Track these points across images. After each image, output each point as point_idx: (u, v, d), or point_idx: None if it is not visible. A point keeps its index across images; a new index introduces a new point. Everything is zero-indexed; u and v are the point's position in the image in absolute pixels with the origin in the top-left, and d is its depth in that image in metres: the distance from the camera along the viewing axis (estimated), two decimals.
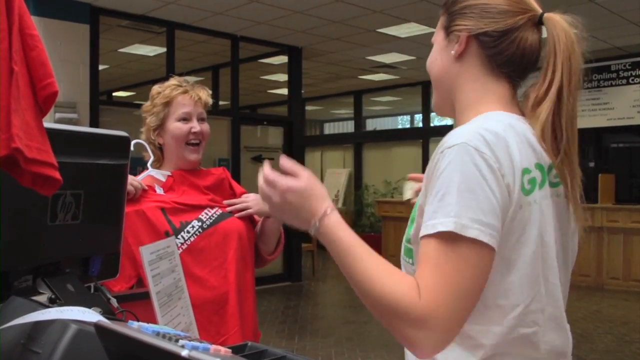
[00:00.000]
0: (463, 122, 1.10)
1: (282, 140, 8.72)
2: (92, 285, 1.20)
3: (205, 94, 1.95)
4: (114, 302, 1.18)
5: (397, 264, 1.19)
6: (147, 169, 1.91)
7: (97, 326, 0.80)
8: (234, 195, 1.97)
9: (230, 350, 0.77)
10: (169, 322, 1.26)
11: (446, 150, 1.00)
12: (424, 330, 0.92)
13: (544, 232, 1.05)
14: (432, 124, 11.49)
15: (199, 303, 1.64)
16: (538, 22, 1.12)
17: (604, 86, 8.69)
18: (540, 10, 1.12)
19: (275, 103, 12.51)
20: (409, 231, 1.11)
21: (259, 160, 8.39)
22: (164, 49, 7.42)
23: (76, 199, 1.11)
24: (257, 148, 8.42)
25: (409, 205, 1.60)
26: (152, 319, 1.19)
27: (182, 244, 1.76)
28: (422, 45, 7.89)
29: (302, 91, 9.20)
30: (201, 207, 1.87)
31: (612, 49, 8.18)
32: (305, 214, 1.03)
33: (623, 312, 6.76)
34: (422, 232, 0.98)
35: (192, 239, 1.79)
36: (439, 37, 1.19)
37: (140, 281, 1.68)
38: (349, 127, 14.85)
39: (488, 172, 0.97)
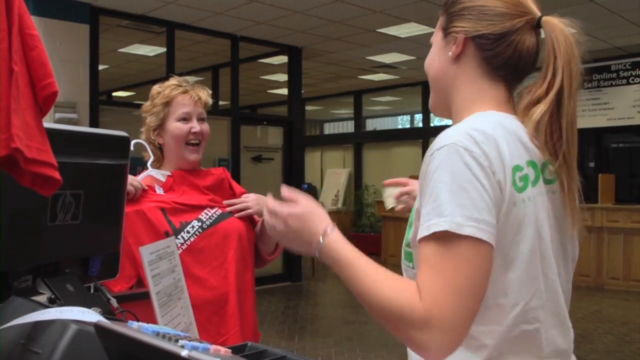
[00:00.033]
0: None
1: (282, 140, 8.72)
2: (92, 285, 1.20)
3: (205, 94, 1.95)
4: (113, 302, 1.18)
5: (398, 264, 1.19)
6: (147, 169, 1.91)
7: (97, 326, 0.80)
8: (234, 195, 1.97)
9: (230, 351, 0.77)
10: (169, 322, 1.26)
11: (435, 152, 1.01)
12: (430, 332, 0.92)
13: (541, 228, 1.05)
14: (432, 124, 11.50)
15: (199, 303, 1.64)
16: (536, 25, 1.12)
17: (604, 86, 8.69)
18: (538, 14, 1.12)
19: (275, 103, 12.51)
20: (408, 235, 1.12)
21: (258, 160, 8.40)
22: (163, 49, 7.42)
23: (76, 199, 1.10)
24: (257, 148, 8.42)
25: (395, 212, 1.60)
26: (152, 319, 1.19)
27: (182, 244, 1.76)
28: (422, 45, 7.89)
29: (302, 91, 9.20)
30: (201, 207, 1.86)
31: (612, 49, 8.18)
32: (307, 236, 1.06)
33: (623, 312, 6.76)
34: (419, 235, 0.99)
35: (192, 239, 1.79)
36: (437, 38, 1.20)
37: (140, 281, 1.68)
38: (349, 127, 14.86)
39: (478, 169, 0.98)
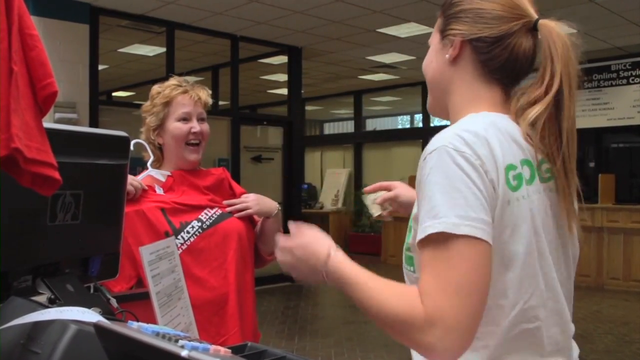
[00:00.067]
0: None
1: (282, 140, 8.72)
2: (91, 285, 1.20)
3: (205, 94, 1.95)
4: (113, 302, 1.18)
5: (397, 264, 1.19)
6: (147, 169, 1.91)
7: (97, 326, 0.80)
8: (234, 195, 1.97)
9: (230, 351, 0.77)
10: (169, 323, 1.26)
11: (427, 157, 1.02)
12: (434, 333, 0.93)
13: (537, 226, 1.05)
14: (432, 124, 11.49)
15: (199, 303, 1.64)
16: (533, 28, 1.12)
17: (604, 86, 8.69)
18: (535, 16, 1.12)
19: (275, 103, 12.51)
20: (408, 240, 1.13)
21: (258, 160, 8.40)
22: (163, 49, 7.42)
23: (76, 199, 1.10)
24: (257, 148, 8.42)
25: (382, 218, 1.58)
26: (152, 319, 1.19)
27: (182, 244, 1.76)
28: (422, 45, 7.88)
29: (302, 91, 9.21)
30: (201, 208, 1.86)
31: (612, 49, 8.18)
32: (313, 262, 1.08)
33: (623, 312, 6.76)
34: (417, 238, 0.99)
35: (191, 239, 1.79)
36: (435, 40, 1.20)
37: (140, 281, 1.68)
38: (349, 127, 14.86)
39: (470, 169, 0.99)
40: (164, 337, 0.75)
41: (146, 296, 1.25)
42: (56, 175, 0.86)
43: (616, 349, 5.28)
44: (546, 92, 1.07)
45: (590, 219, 7.77)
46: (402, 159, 12.01)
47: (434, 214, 0.97)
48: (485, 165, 1.00)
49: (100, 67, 6.88)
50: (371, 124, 15.00)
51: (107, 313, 1.06)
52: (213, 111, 7.17)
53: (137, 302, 1.34)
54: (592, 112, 8.74)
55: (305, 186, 11.96)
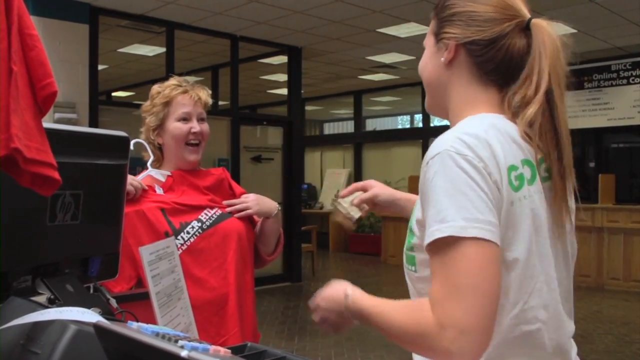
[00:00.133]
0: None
1: (281, 140, 8.72)
2: (91, 285, 1.20)
3: (205, 94, 1.95)
4: (113, 302, 1.18)
5: (398, 264, 1.19)
6: (147, 169, 1.91)
7: (97, 327, 0.80)
8: (234, 195, 1.97)
9: (229, 351, 0.77)
10: (169, 323, 1.26)
11: (430, 161, 1.02)
12: (447, 337, 0.93)
13: (539, 226, 1.05)
14: (432, 124, 11.50)
15: (199, 304, 1.64)
16: (526, 27, 1.12)
17: (604, 86, 8.69)
18: (528, 15, 1.13)
19: (274, 103, 12.51)
20: (409, 240, 1.13)
21: (258, 160, 8.40)
22: (163, 49, 7.42)
23: (75, 199, 1.10)
24: (256, 148, 8.42)
25: (360, 221, 1.59)
26: (152, 320, 1.19)
27: (181, 244, 1.76)
28: (421, 45, 7.83)
29: (302, 91, 9.20)
30: (201, 208, 1.86)
31: (612, 49, 8.18)
32: (337, 308, 1.15)
33: (623, 312, 6.76)
34: (425, 243, 1.00)
35: (191, 239, 1.79)
36: (429, 42, 1.21)
37: (140, 282, 1.68)
38: (348, 127, 14.86)
39: (474, 172, 0.99)
40: (163, 337, 0.75)
41: (146, 296, 1.25)
42: (56, 175, 0.86)
43: (616, 349, 5.28)
44: (536, 91, 1.08)
45: (590, 219, 7.77)
46: (402, 159, 12.01)
47: (440, 218, 0.97)
48: (488, 167, 1.00)
49: (100, 67, 6.88)
50: (371, 124, 15.01)
51: (107, 313, 1.06)
52: (213, 111, 7.17)
53: (137, 302, 1.34)
54: (592, 112, 8.74)
55: (305, 186, 11.96)
